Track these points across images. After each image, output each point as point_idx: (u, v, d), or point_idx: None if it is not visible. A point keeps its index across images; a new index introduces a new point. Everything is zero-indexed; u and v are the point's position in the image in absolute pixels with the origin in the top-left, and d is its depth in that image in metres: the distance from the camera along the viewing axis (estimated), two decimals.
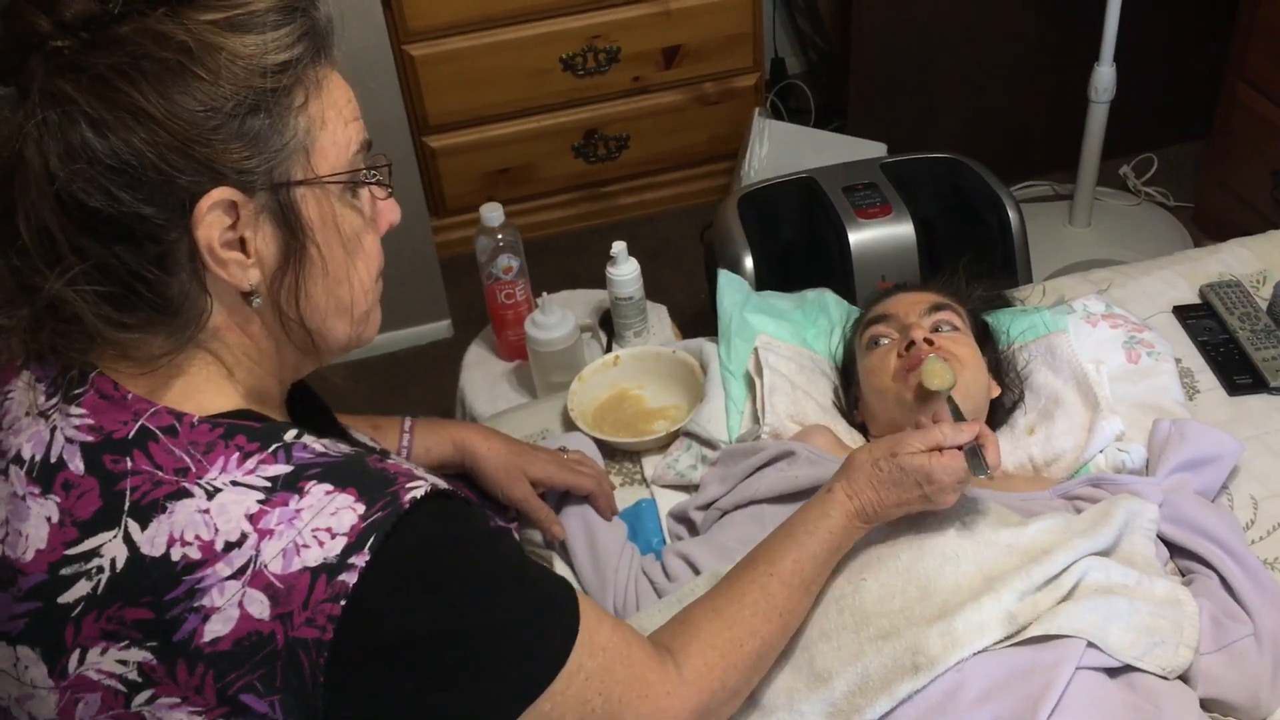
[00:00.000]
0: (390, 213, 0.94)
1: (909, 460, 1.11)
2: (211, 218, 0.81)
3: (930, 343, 1.33)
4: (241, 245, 0.83)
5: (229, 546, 0.78)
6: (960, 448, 1.12)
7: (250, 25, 0.80)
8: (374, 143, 0.92)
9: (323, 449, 0.83)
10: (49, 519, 0.81)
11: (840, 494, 1.13)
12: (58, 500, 0.81)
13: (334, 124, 0.86)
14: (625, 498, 1.46)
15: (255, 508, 0.79)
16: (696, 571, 1.27)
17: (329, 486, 0.80)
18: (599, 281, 1.98)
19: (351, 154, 0.88)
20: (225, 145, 0.80)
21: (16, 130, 0.78)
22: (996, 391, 1.41)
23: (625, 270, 1.87)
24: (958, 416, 1.21)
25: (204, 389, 0.86)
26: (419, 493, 0.81)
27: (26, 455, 0.83)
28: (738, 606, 1.05)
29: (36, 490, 0.82)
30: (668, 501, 1.45)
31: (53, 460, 0.82)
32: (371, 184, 0.90)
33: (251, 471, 0.81)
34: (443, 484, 0.85)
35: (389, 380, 2.59)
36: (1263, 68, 2.42)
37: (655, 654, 0.98)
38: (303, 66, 0.83)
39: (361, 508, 0.79)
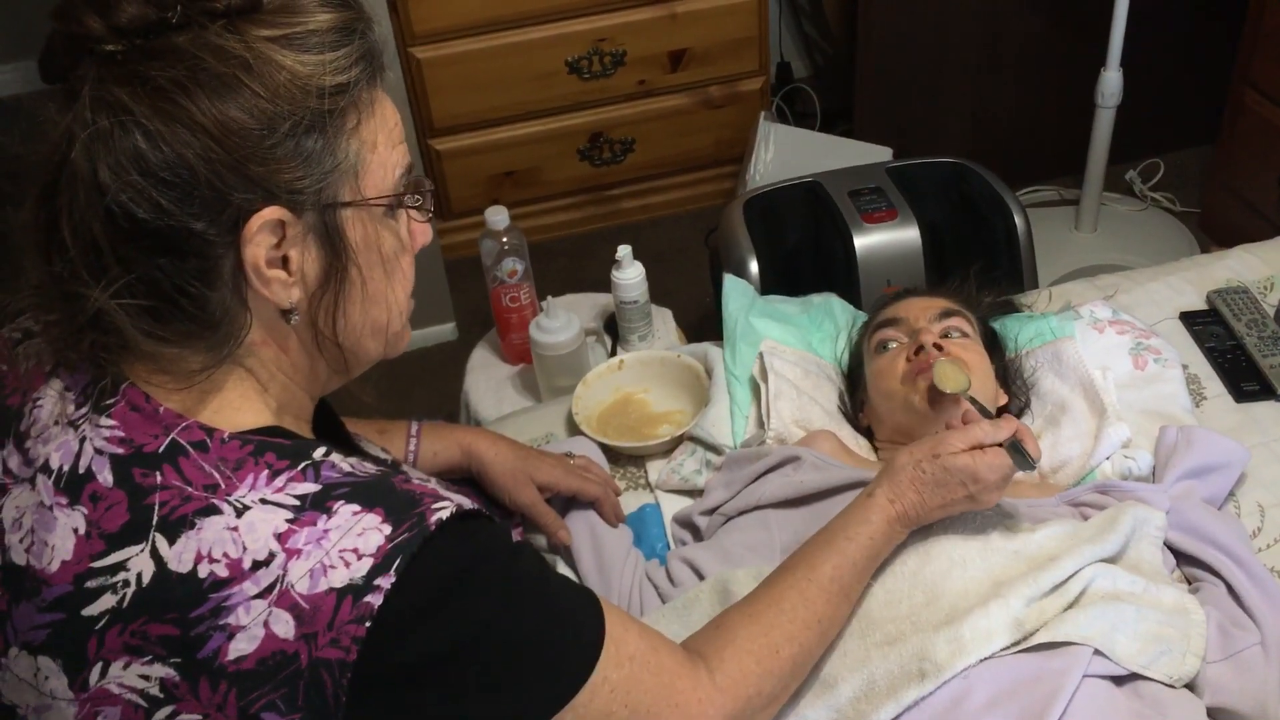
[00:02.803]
0: (423, 235, 0.94)
1: (952, 460, 1.11)
2: (260, 237, 0.81)
3: (939, 348, 1.33)
4: (284, 263, 0.83)
5: (256, 565, 0.77)
6: (1001, 444, 1.12)
7: (309, 44, 0.80)
8: None
9: (350, 468, 0.83)
10: (76, 530, 0.80)
11: (882, 499, 1.12)
12: (85, 512, 0.81)
13: (383, 147, 0.87)
14: (629, 502, 1.45)
15: (284, 527, 0.79)
16: (701, 577, 1.27)
17: (356, 507, 0.80)
18: (604, 285, 1.98)
19: (396, 177, 0.88)
20: (279, 165, 0.80)
21: (64, 133, 0.78)
22: (1004, 399, 1.41)
23: (630, 274, 1.87)
24: (984, 414, 1.21)
25: (238, 405, 0.86)
26: (444, 514, 0.81)
27: (55, 465, 0.83)
28: (775, 612, 1.04)
29: (64, 501, 0.82)
30: (672, 506, 1.45)
31: (81, 471, 0.82)
32: (414, 208, 0.91)
33: (281, 489, 0.80)
34: (468, 503, 0.85)
35: (393, 383, 2.59)
36: (1270, 73, 2.41)
37: (687, 660, 0.97)
38: (358, 89, 0.83)
39: (388, 529, 0.79)
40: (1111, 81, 2.43)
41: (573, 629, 0.89)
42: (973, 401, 1.23)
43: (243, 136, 0.78)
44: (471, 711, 0.82)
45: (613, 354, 1.97)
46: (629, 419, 1.59)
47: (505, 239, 1.95)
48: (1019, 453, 1.11)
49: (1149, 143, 2.91)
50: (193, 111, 0.77)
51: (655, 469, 1.50)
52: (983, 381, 1.34)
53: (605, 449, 1.50)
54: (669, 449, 1.52)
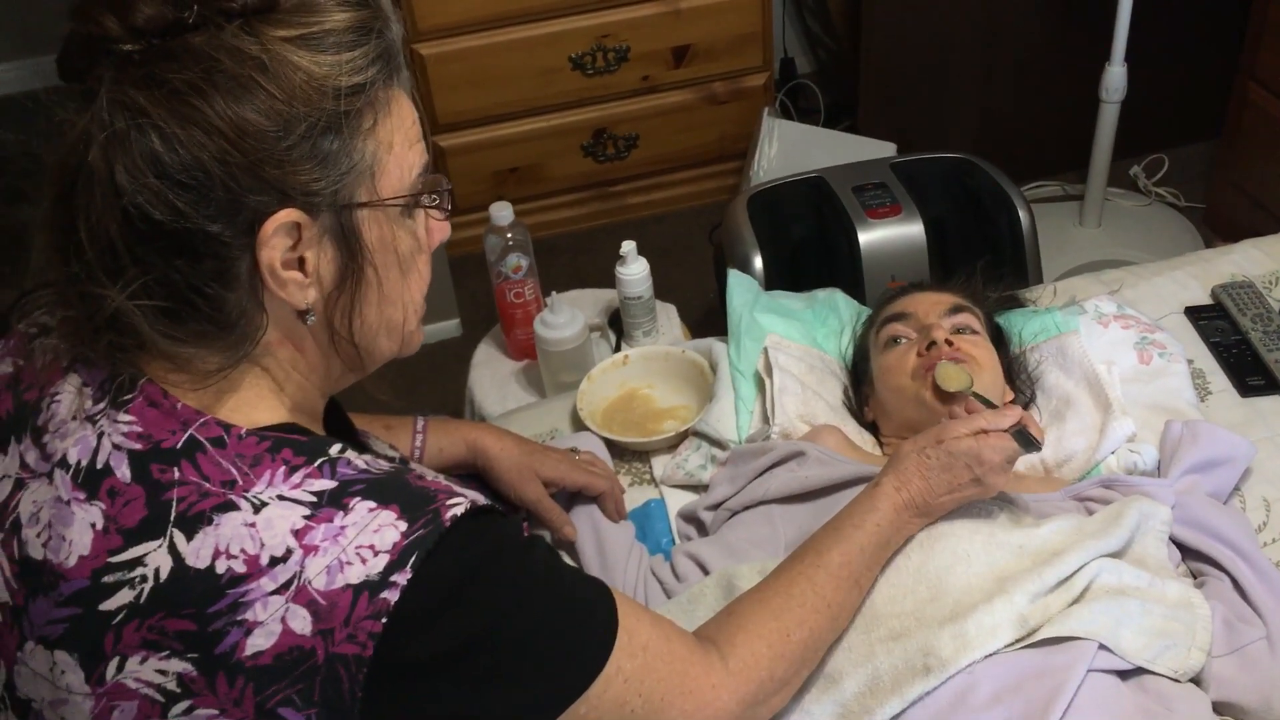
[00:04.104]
0: (441, 233, 0.94)
1: (956, 445, 1.12)
2: (276, 239, 0.80)
3: (950, 344, 1.33)
4: (300, 264, 0.83)
5: (274, 561, 0.78)
6: (1006, 430, 1.12)
7: (325, 45, 0.80)
8: None
9: (365, 465, 0.84)
10: (93, 525, 0.81)
11: (888, 486, 1.13)
12: (103, 507, 0.81)
13: (400, 147, 0.86)
14: (634, 497, 1.46)
15: (301, 523, 0.79)
16: (705, 572, 1.27)
17: (372, 503, 0.80)
18: (608, 281, 1.98)
19: (413, 176, 0.88)
20: (295, 167, 0.79)
21: (82, 134, 0.78)
22: (1010, 395, 1.41)
23: (634, 269, 1.87)
24: (989, 407, 1.21)
25: (255, 404, 0.86)
26: (459, 510, 0.82)
27: (73, 460, 0.83)
28: (784, 598, 1.05)
29: (82, 496, 0.82)
30: (677, 501, 1.45)
31: (99, 466, 0.82)
32: (432, 208, 0.90)
33: (297, 486, 0.80)
34: (481, 499, 0.85)
35: (398, 379, 2.58)
36: (1274, 68, 2.41)
37: (699, 648, 0.98)
38: (375, 89, 0.83)
39: (404, 525, 0.79)
40: (1116, 76, 2.42)
41: (586, 621, 0.90)
42: (977, 397, 1.24)
43: (258, 139, 0.78)
44: (486, 705, 0.83)
45: (617, 349, 1.97)
46: (634, 414, 1.59)
47: (509, 235, 1.95)
48: (1024, 437, 1.12)
49: (1153, 138, 2.90)
50: (208, 114, 0.76)
51: (660, 464, 1.50)
52: (993, 378, 1.34)
53: (610, 444, 1.50)
54: (674, 444, 1.52)
